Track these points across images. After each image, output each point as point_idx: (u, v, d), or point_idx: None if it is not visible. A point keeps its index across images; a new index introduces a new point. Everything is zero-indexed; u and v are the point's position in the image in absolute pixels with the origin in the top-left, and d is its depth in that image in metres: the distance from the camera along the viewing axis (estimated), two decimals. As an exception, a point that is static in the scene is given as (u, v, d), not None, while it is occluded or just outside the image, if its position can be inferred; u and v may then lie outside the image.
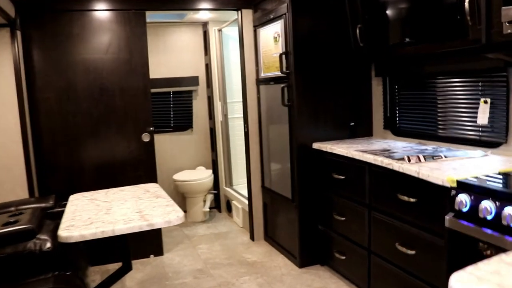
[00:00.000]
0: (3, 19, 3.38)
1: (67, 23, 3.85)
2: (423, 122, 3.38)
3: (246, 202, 4.63)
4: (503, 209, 1.81)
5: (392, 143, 3.45)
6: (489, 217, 1.87)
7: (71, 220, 2.45)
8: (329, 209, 3.52)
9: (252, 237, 4.55)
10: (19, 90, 3.65)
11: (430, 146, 3.15)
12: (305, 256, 3.80)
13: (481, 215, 1.90)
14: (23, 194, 3.74)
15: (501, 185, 1.99)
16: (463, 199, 2.01)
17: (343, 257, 3.38)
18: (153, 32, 5.31)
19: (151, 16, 4.85)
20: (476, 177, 2.11)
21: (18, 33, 3.65)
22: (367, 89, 3.87)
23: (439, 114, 3.22)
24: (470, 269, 1.08)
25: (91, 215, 2.51)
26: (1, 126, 3.66)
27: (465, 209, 2.00)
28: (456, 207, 2.05)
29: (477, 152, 2.78)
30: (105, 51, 3.96)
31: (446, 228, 2.11)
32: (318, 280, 3.56)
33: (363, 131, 3.89)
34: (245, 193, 4.72)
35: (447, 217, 2.10)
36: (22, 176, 3.73)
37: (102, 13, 3.92)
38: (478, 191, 1.97)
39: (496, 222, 1.84)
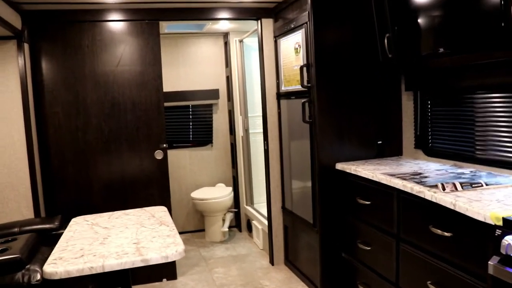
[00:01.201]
0: (8, 31, 3.21)
1: (77, 34, 3.68)
2: (459, 142, 3.03)
3: (266, 222, 4.35)
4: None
5: (424, 164, 3.11)
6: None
7: (62, 251, 2.21)
8: (353, 237, 3.20)
9: (271, 261, 4.25)
10: (25, 105, 3.47)
11: (467, 170, 2.80)
12: (327, 286, 3.47)
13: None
14: (29, 213, 3.56)
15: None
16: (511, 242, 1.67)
17: (369, 291, 3.05)
18: (172, 43, 5.11)
19: (169, 27, 4.65)
20: (525, 214, 1.77)
21: (26, 45, 3.48)
22: (396, 105, 3.54)
23: (478, 134, 2.86)
24: None
25: (85, 245, 2.28)
26: (6, 142, 3.49)
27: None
28: (503, 251, 1.70)
29: (522, 178, 2.42)
30: (116, 63, 3.76)
31: (490, 275, 1.77)
32: (341, 314, 3.24)
33: (392, 150, 3.56)
34: (266, 212, 4.44)
35: (491, 263, 1.76)
36: (27, 194, 3.55)
37: (113, 24, 3.73)
38: (528, 233, 1.64)
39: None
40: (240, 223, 5.39)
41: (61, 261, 2.05)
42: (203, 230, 5.24)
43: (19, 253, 2.32)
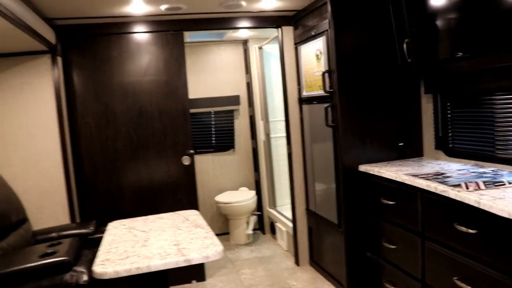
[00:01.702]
0: (44, 46, 3.38)
1: (106, 46, 3.84)
2: (479, 142, 3.12)
3: (290, 224, 4.47)
4: None
5: (446, 165, 3.21)
6: None
7: (107, 253, 2.35)
8: (378, 236, 3.30)
9: (297, 262, 4.37)
10: (60, 116, 3.64)
11: (488, 169, 2.89)
12: (353, 285, 3.58)
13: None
14: (64, 219, 3.72)
15: None
16: (534, 236, 1.78)
17: (394, 288, 3.16)
18: (192, 51, 5.26)
19: (190, 36, 4.80)
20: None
21: (59, 59, 3.65)
22: (416, 107, 3.64)
23: (498, 133, 2.96)
24: None
25: (127, 247, 2.42)
26: (42, 151, 3.65)
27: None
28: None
29: (543, 176, 2.51)
30: (143, 73, 3.92)
31: (515, 267, 1.88)
32: (368, 311, 3.34)
33: (413, 151, 3.66)
34: (289, 214, 4.56)
35: (515, 256, 1.87)
36: (63, 201, 3.71)
37: (139, 35, 3.89)
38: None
39: None
40: (263, 225, 5.51)
41: (109, 262, 2.19)
42: (227, 233, 5.36)
43: (67, 255, 2.47)
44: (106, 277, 2.10)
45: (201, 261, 2.18)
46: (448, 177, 2.74)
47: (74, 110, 3.82)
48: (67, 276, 2.44)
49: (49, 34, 3.39)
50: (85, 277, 2.44)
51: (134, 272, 2.11)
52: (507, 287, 2.05)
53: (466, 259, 2.35)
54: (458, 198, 2.32)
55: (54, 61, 3.59)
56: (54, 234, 3.30)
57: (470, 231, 2.29)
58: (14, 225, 3.08)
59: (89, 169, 3.89)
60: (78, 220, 3.84)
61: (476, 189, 2.35)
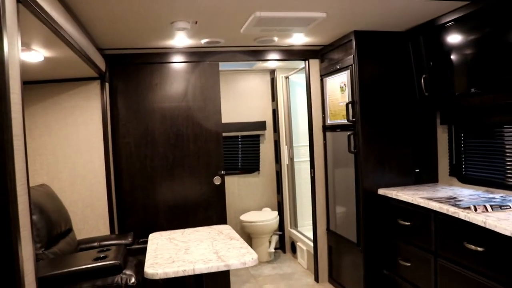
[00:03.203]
0: (95, 72, 3.77)
1: (148, 74, 4.22)
2: (490, 170, 3.41)
3: (311, 243, 4.74)
4: None
5: (458, 190, 3.48)
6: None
7: (154, 257, 2.67)
8: (394, 254, 3.57)
9: (316, 279, 4.63)
10: (105, 136, 4.01)
11: (498, 195, 3.17)
12: (371, 301, 3.84)
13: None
14: (105, 230, 4.05)
15: None
16: (531, 251, 2.06)
17: (409, 303, 3.41)
18: (223, 79, 5.62)
19: (222, 65, 5.17)
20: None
21: (107, 84, 4.04)
22: (432, 137, 3.95)
23: (508, 162, 3.24)
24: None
25: (171, 254, 2.73)
26: (88, 168, 4.02)
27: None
28: (524, 259, 2.09)
29: (546, 202, 2.79)
30: (181, 99, 4.28)
31: (514, 279, 2.16)
32: (384, 325, 3.59)
33: (428, 177, 3.95)
34: (310, 235, 4.83)
35: (515, 268, 2.15)
36: (104, 214, 4.05)
37: (179, 64, 4.27)
38: (545, 244, 2.02)
39: None
40: (284, 245, 5.78)
41: (157, 265, 2.51)
42: (250, 251, 5.63)
43: (118, 259, 2.79)
44: (157, 277, 2.42)
45: (239, 267, 2.49)
46: (460, 201, 3.02)
47: (117, 131, 4.18)
48: (118, 278, 2.75)
49: (100, 63, 3.78)
50: (133, 279, 2.75)
51: (181, 274, 2.42)
52: (512, 299, 2.32)
53: (474, 275, 2.62)
54: (467, 219, 2.61)
55: (102, 87, 3.98)
56: (96, 244, 3.63)
57: (478, 249, 2.56)
58: (63, 233, 3.42)
59: (128, 185, 4.23)
60: (116, 232, 4.16)
61: (483, 211, 2.63)
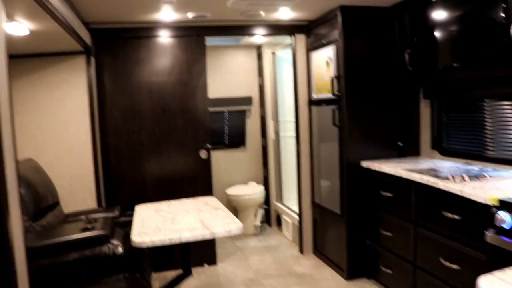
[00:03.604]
0: (80, 46, 3.76)
1: (135, 49, 4.21)
2: (470, 143, 3.50)
3: (296, 216, 4.84)
4: (540, 226, 1.95)
5: (439, 162, 3.58)
6: (528, 234, 2.01)
7: (141, 227, 2.73)
8: (377, 225, 3.67)
9: (301, 250, 4.73)
10: (91, 110, 4.02)
11: (476, 167, 3.26)
12: (353, 269, 3.95)
13: (520, 232, 2.05)
14: (92, 203, 4.10)
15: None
16: (504, 217, 2.15)
17: (390, 271, 3.52)
18: (210, 54, 5.61)
19: (209, 40, 5.17)
20: (518, 197, 2.24)
21: (93, 59, 4.04)
22: (415, 111, 4.02)
23: (487, 136, 3.33)
24: (497, 273, 1.26)
25: (158, 224, 2.80)
26: (75, 142, 4.04)
27: (506, 226, 2.14)
28: (498, 224, 2.19)
29: (522, 173, 2.89)
30: (168, 74, 4.29)
31: (488, 243, 2.25)
32: (366, 293, 3.71)
33: (411, 151, 4.03)
34: (295, 208, 4.93)
35: (488, 233, 2.25)
36: (92, 187, 4.08)
37: (166, 39, 4.27)
38: (517, 210, 2.11)
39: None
40: (269, 218, 5.88)
41: (144, 234, 2.57)
42: (236, 224, 5.72)
43: (105, 230, 2.84)
44: (144, 246, 2.48)
45: (224, 235, 2.56)
46: (439, 172, 3.11)
47: (104, 105, 4.19)
48: (105, 248, 2.80)
49: (86, 36, 3.78)
50: (120, 249, 2.81)
51: (168, 242, 2.49)
52: (481, 262, 2.42)
53: (451, 242, 2.73)
54: (445, 188, 2.70)
55: (88, 61, 3.97)
56: (83, 217, 3.67)
57: (455, 217, 2.66)
58: (50, 207, 3.47)
59: (115, 159, 4.26)
60: (104, 205, 4.21)
61: (461, 181, 2.72)
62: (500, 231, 2.19)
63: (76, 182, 4.07)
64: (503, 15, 2.55)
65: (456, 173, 3.01)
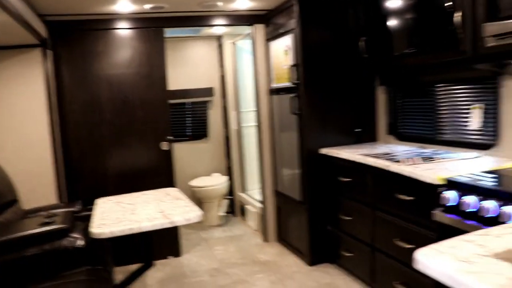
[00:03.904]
0: (36, 39, 3.70)
1: (93, 41, 4.17)
2: (423, 127, 3.62)
3: (260, 206, 4.89)
4: (482, 202, 2.05)
5: (394, 147, 3.69)
6: (471, 210, 2.11)
7: (101, 219, 2.73)
8: (337, 210, 3.76)
9: (265, 239, 4.80)
10: (50, 105, 3.96)
11: (429, 150, 3.38)
12: (315, 255, 4.04)
13: (464, 208, 2.14)
14: (53, 199, 4.05)
15: (483, 182, 2.22)
16: (450, 195, 2.25)
17: (350, 255, 3.62)
18: (170, 46, 5.60)
19: (169, 32, 5.14)
20: (463, 176, 2.35)
21: (49, 52, 3.97)
22: (372, 98, 4.12)
23: (438, 120, 3.45)
24: (433, 245, 1.34)
25: (118, 215, 2.80)
26: (33, 137, 3.97)
27: (451, 204, 2.25)
28: (444, 203, 2.29)
29: (471, 154, 3.01)
30: (127, 66, 4.27)
31: (435, 221, 2.35)
32: (327, 276, 3.80)
33: (368, 137, 4.14)
34: (259, 197, 4.98)
35: (435, 212, 2.35)
36: (52, 182, 4.04)
37: (124, 31, 4.23)
38: (463, 188, 2.22)
39: (477, 214, 2.08)
40: (234, 209, 5.93)
41: (105, 225, 2.57)
42: (201, 216, 5.74)
43: (64, 223, 2.83)
44: (103, 237, 2.49)
45: (184, 223, 2.59)
46: (394, 156, 3.21)
47: (63, 99, 4.14)
48: (65, 241, 2.79)
49: (41, 29, 3.71)
50: (80, 242, 2.80)
51: (127, 232, 2.50)
52: (432, 240, 2.51)
53: (404, 222, 2.83)
54: (398, 171, 2.79)
55: (45, 54, 3.91)
56: (43, 213, 3.62)
57: (408, 198, 2.76)
58: (8, 203, 3.41)
59: (76, 153, 4.22)
60: (65, 200, 4.16)
61: (412, 163, 2.82)
62: (447, 209, 2.29)
63: (35, 178, 4.01)
64: (449, 3, 2.65)
65: (409, 156, 3.12)
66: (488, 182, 2.23)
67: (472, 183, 2.20)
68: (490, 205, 2.01)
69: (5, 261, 2.58)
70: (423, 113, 3.62)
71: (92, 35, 4.17)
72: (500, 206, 1.98)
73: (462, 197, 2.18)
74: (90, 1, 3.55)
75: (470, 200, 2.12)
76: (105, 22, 4.15)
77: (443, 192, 2.29)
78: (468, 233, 1.44)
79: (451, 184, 2.30)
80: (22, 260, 2.59)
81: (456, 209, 2.23)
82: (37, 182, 4.01)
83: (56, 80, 4.09)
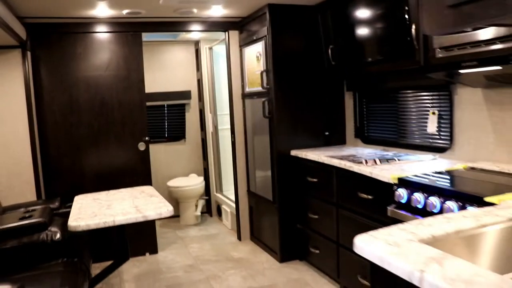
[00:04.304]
0: (15, 41, 3.82)
1: (71, 44, 4.30)
2: (386, 131, 3.84)
3: (234, 205, 5.06)
4: (428, 199, 2.26)
5: (360, 150, 3.89)
6: (419, 206, 2.32)
7: (78, 214, 2.88)
8: (305, 209, 3.95)
9: (239, 237, 4.97)
10: (28, 105, 4.08)
11: (391, 152, 3.60)
12: (285, 252, 4.22)
13: (413, 204, 2.35)
14: (32, 197, 4.15)
15: (429, 181, 2.43)
16: (402, 193, 2.46)
17: (317, 251, 3.81)
18: (149, 50, 5.76)
19: (147, 36, 5.30)
20: (415, 175, 2.55)
21: (28, 53, 4.09)
22: (340, 102, 4.33)
23: (399, 124, 3.67)
24: (371, 232, 1.53)
25: (95, 210, 2.95)
26: (13, 136, 4.08)
27: (403, 201, 2.45)
28: (397, 199, 2.49)
29: (428, 156, 3.23)
30: (105, 68, 4.41)
31: (390, 217, 2.55)
32: (296, 273, 3.98)
33: (337, 140, 4.34)
34: (234, 197, 5.15)
35: (389, 208, 2.55)
36: (30, 181, 4.14)
37: (102, 35, 4.38)
38: (412, 186, 2.42)
39: (424, 210, 2.29)
40: (211, 209, 6.09)
41: (80, 219, 2.72)
42: (178, 216, 5.89)
43: (43, 217, 2.96)
44: (79, 229, 2.63)
45: (156, 217, 2.75)
46: (358, 157, 3.41)
47: (42, 100, 4.26)
48: (43, 235, 2.92)
49: (20, 31, 3.83)
50: (58, 235, 2.94)
51: (102, 225, 2.65)
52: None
53: (365, 219, 3.03)
54: (359, 171, 2.99)
55: (24, 56, 4.03)
56: (22, 209, 3.74)
57: (368, 196, 2.96)
58: (-13, 200, 3.53)
59: (54, 152, 4.34)
60: (44, 198, 4.28)
61: (373, 164, 3.03)
62: (399, 205, 2.50)
63: (14, 176, 4.11)
64: (407, 16, 2.86)
65: (371, 158, 3.33)
66: (436, 181, 2.44)
67: (420, 182, 2.41)
68: (434, 201, 2.21)
69: (-15, 253, 2.70)
70: (386, 118, 3.83)
71: (71, 37, 4.30)
72: (442, 202, 2.19)
73: (412, 195, 2.38)
74: (69, 5, 3.69)
75: (418, 197, 2.32)
76: (84, 26, 4.29)
77: (397, 190, 2.50)
78: (405, 223, 1.64)
79: (402, 183, 2.50)
80: (1, 252, 2.71)
81: (407, 206, 2.44)
82: (16, 180, 4.12)
83: (35, 81, 4.21)
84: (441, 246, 1.40)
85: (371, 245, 1.42)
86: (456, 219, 1.61)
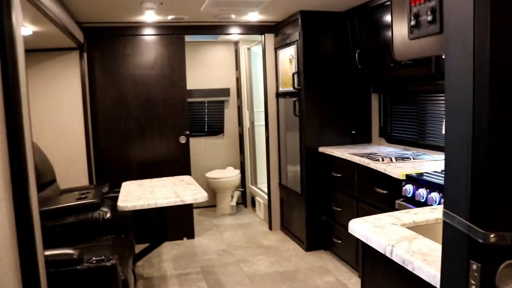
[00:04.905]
0: (74, 43, 4.30)
1: (122, 45, 4.76)
2: (408, 131, 4.10)
3: (267, 197, 5.42)
4: (430, 194, 2.55)
5: (383, 148, 4.18)
6: (422, 200, 2.61)
7: (125, 196, 3.31)
8: (330, 202, 4.27)
9: (270, 227, 5.33)
10: (84, 100, 4.57)
11: (410, 152, 3.86)
12: (311, 242, 4.55)
13: (417, 199, 2.65)
14: (85, 182, 4.64)
15: (431, 179, 2.71)
16: (408, 188, 2.75)
17: (340, 242, 4.13)
18: (191, 49, 6.17)
19: (190, 37, 5.72)
20: (422, 173, 2.84)
21: (85, 54, 4.58)
22: (367, 103, 4.61)
23: (420, 125, 3.93)
24: (364, 217, 1.85)
25: (139, 194, 3.37)
26: (70, 127, 4.58)
27: (409, 195, 2.75)
28: (404, 194, 2.79)
29: (442, 156, 3.49)
30: (151, 68, 4.84)
31: (397, 210, 2.85)
32: (319, 260, 4.31)
33: (363, 138, 4.63)
34: (267, 190, 5.51)
35: (397, 201, 2.85)
36: (84, 167, 4.64)
37: (149, 37, 4.81)
38: (417, 182, 2.71)
39: (426, 204, 2.58)
40: (245, 200, 6.47)
41: (127, 201, 3.15)
42: (215, 205, 6.30)
43: (96, 198, 3.41)
44: (127, 209, 3.06)
45: (191, 202, 3.15)
46: (378, 155, 3.70)
47: (95, 95, 4.74)
48: (96, 214, 3.37)
49: (79, 35, 4.31)
50: (108, 215, 3.37)
51: (146, 207, 3.07)
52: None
53: (380, 212, 3.31)
54: (375, 168, 3.30)
55: (81, 56, 4.52)
56: (77, 192, 4.23)
57: (383, 191, 3.26)
58: (48, 183, 4.02)
59: (105, 143, 4.82)
60: (95, 183, 4.76)
61: (388, 162, 3.32)
62: (406, 199, 2.79)
63: (70, 163, 4.61)
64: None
65: (389, 156, 3.61)
66: (439, 178, 2.72)
67: (424, 178, 2.70)
68: (434, 196, 2.51)
69: (48, 226, 3.16)
70: (408, 119, 4.10)
71: (122, 39, 4.75)
72: (441, 197, 2.48)
73: (417, 190, 2.67)
74: (121, 11, 4.13)
75: (421, 192, 2.62)
76: (133, 29, 4.74)
77: (404, 186, 2.80)
78: (395, 211, 1.95)
79: (409, 179, 2.80)
80: (61, 227, 3.17)
81: (412, 199, 2.74)
82: (72, 166, 4.62)
83: (89, 78, 4.69)
84: (418, 229, 1.71)
85: (361, 227, 1.75)
86: (439, 210, 1.92)
